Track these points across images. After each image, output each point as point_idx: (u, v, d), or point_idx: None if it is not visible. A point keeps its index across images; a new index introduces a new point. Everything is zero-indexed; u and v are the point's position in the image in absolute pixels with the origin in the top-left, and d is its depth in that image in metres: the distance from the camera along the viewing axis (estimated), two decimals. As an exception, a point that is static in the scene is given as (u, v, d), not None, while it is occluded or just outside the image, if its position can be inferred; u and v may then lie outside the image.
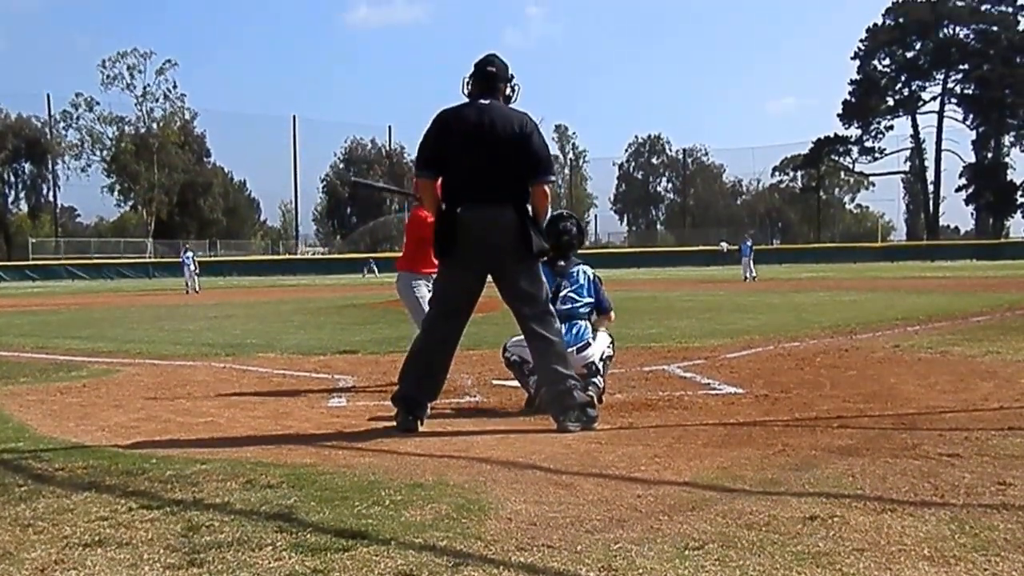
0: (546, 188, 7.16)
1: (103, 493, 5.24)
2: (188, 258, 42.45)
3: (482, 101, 7.18)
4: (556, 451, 6.19)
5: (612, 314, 8.42)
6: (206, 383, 10.02)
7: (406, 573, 3.79)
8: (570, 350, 7.62)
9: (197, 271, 43.54)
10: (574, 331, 7.92)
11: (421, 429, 7.11)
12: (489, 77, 7.26)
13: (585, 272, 8.25)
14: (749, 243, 46.44)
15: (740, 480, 5.27)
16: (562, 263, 8.19)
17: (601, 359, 7.99)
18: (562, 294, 8.04)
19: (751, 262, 44.15)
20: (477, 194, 7.01)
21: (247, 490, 5.23)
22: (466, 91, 7.29)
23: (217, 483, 5.40)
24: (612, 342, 8.24)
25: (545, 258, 7.52)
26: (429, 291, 8.21)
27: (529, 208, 7.13)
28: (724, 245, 60.81)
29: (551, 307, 7.31)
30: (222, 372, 10.97)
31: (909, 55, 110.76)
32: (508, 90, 7.39)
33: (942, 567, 3.77)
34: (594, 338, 8.04)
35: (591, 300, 8.16)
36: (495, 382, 9.42)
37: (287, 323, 19.52)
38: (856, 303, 19.03)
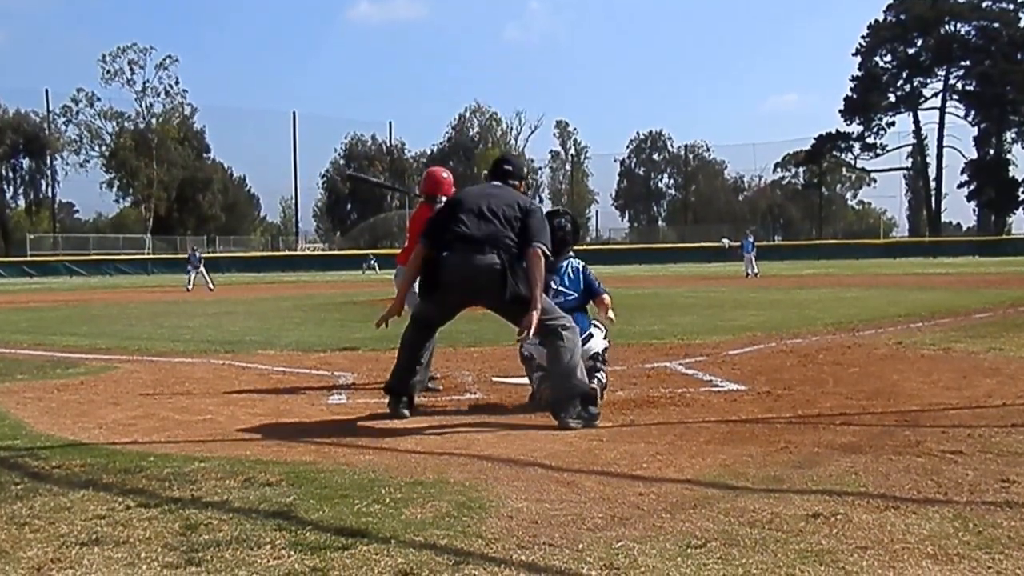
0: (539, 251, 7.39)
1: (100, 491, 5.21)
2: (197, 257, 42.24)
3: (494, 183, 7.95)
4: (557, 448, 6.18)
5: (607, 296, 8.26)
6: (205, 380, 9.98)
7: (406, 571, 3.77)
8: None
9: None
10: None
11: (422, 426, 7.14)
12: (504, 174, 8.03)
13: (572, 265, 8.22)
14: (751, 240, 46.39)
15: (742, 478, 5.25)
16: (553, 259, 8.07)
17: (602, 352, 7.97)
18: (553, 289, 8.02)
19: (753, 258, 44.09)
20: (466, 243, 7.43)
21: (246, 488, 5.20)
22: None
23: (216, 481, 5.38)
24: (607, 334, 8.19)
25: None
26: None
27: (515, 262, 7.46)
28: (726, 241, 60.79)
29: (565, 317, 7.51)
30: (221, 369, 10.94)
31: (911, 51, 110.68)
32: (523, 187, 8.09)
33: (945, 565, 3.75)
34: (602, 332, 8.01)
35: (579, 291, 8.11)
36: (495, 379, 9.40)
37: (287, 320, 19.50)
38: (858, 300, 19.03)
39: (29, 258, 76.03)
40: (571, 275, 8.16)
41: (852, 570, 3.71)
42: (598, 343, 7.91)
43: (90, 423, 7.49)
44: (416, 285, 7.81)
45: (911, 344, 11.72)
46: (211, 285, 39.37)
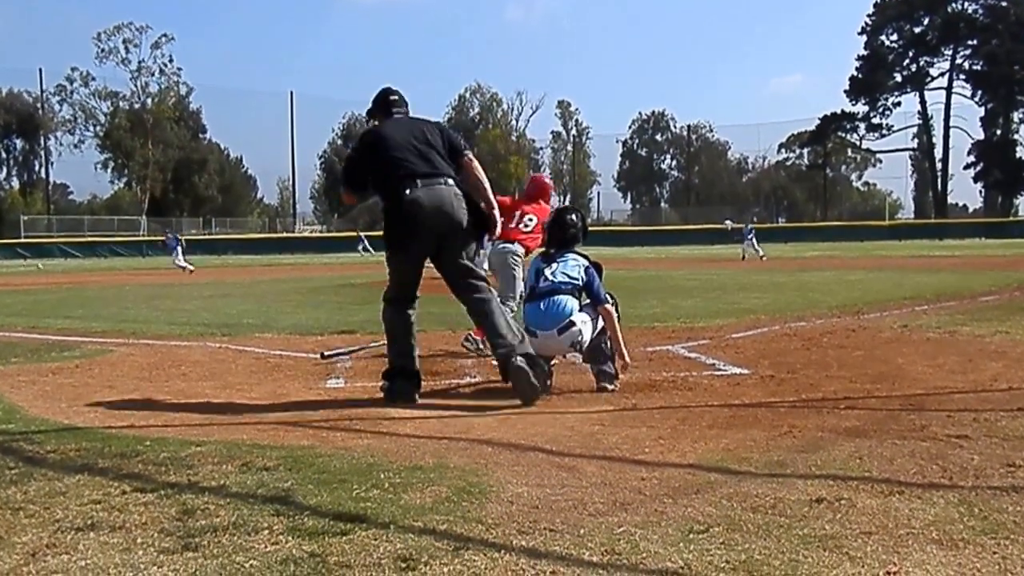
0: (471, 157, 8.02)
1: (96, 476, 5.18)
2: (175, 240, 41.55)
3: (396, 116, 8.10)
4: (558, 433, 6.14)
5: (610, 307, 8.03)
6: (202, 364, 9.94)
7: (405, 557, 3.74)
8: (551, 331, 7.78)
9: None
10: (555, 307, 7.86)
11: (421, 411, 7.12)
12: (396, 103, 8.17)
13: (576, 259, 8.19)
14: (751, 225, 46.34)
15: (746, 462, 5.21)
16: (553, 251, 8.28)
17: (602, 338, 7.93)
18: (544, 273, 8.05)
19: (754, 241, 43.96)
20: (423, 179, 7.63)
21: (243, 473, 5.18)
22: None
23: (212, 466, 5.35)
24: (597, 329, 8.09)
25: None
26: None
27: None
28: (729, 223, 60.76)
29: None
30: (218, 352, 10.89)
31: (917, 30, 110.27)
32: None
33: (950, 550, 3.72)
34: (593, 321, 7.96)
35: (578, 281, 8.03)
36: (494, 363, 9.32)
37: (284, 302, 19.41)
38: (863, 282, 18.98)
39: (23, 240, 75.77)
40: (571, 266, 8.10)
41: (856, 555, 3.68)
42: (585, 333, 7.86)
43: (85, 407, 7.45)
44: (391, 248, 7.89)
45: (916, 327, 11.66)
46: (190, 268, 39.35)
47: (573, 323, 7.80)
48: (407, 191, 7.50)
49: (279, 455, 5.55)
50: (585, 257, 8.24)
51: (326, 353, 9.06)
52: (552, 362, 7.93)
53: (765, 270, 29.57)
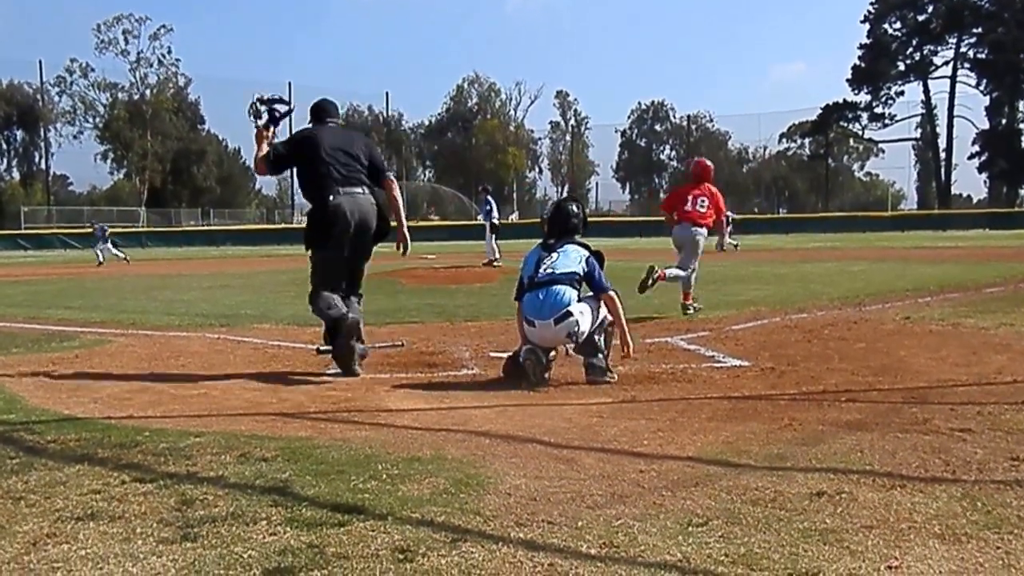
0: (392, 179, 9.16)
1: (96, 466, 5.20)
2: (102, 231, 40.34)
3: (330, 124, 9.06)
4: (556, 425, 6.13)
5: (613, 295, 8.07)
6: (200, 354, 9.95)
7: (403, 548, 3.75)
8: (548, 320, 7.78)
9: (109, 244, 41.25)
10: (553, 297, 7.85)
11: (419, 402, 7.12)
12: (329, 113, 9.16)
13: (577, 248, 8.20)
14: (729, 215, 46.23)
15: (745, 455, 5.21)
16: (552, 241, 8.25)
17: (599, 330, 7.91)
18: (544, 263, 8.05)
19: (730, 231, 43.80)
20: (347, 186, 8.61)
21: (241, 464, 5.19)
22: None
23: (211, 456, 5.36)
24: (600, 322, 8.04)
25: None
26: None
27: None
28: (729, 214, 60.60)
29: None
30: (217, 343, 10.89)
31: (920, 18, 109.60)
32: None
33: (953, 545, 3.71)
34: (593, 312, 7.94)
35: (577, 270, 8.01)
36: (492, 354, 9.32)
37: (283, 293, 19.28)
38: (865, 273, 18.94)
39: (23, 231, 75.57)
40: (574, 256, 8.09)
41: (857, 549, 3.67)
42: (584, 323, 7.82)
43: (85, 397, 7.46)
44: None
45: (919, 319, 11.61)
46: (103, 260, 38.70)
47: (570, 313, 7.77)
48: (331, 197, 8.44)
49: (277, 446, 5.55)
50: (586, 247, 8.23)
51: (321, 348, 9.08)
52: (551, 354, 7.91)
53: (765, 261, 29.47)
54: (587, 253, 8.14)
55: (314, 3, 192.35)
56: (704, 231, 13.32)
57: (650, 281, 12.66)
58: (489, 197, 31.10)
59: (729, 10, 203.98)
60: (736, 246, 41.52)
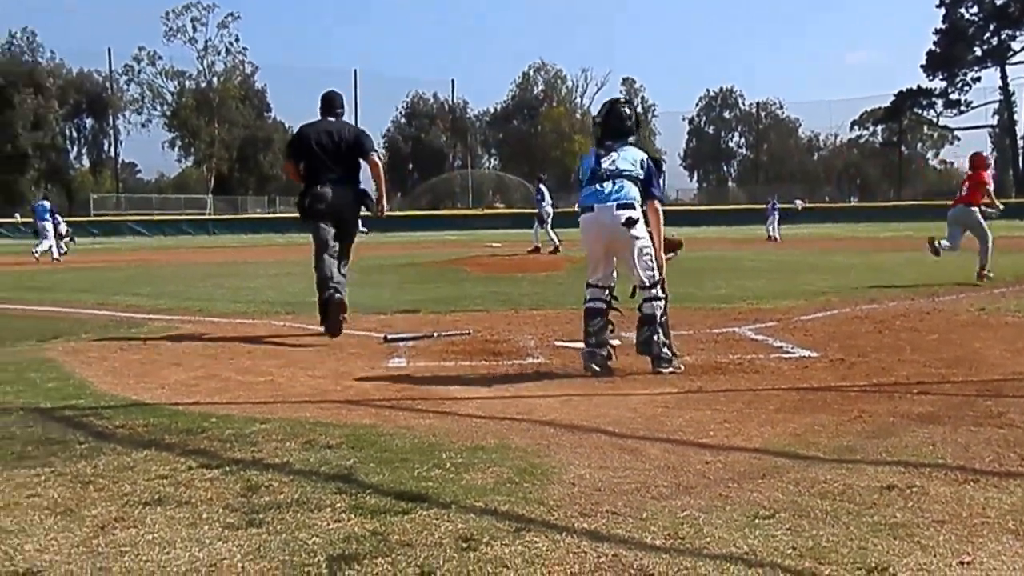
0: (376, 158, 11.07)
1: (163, 451, 5.26)
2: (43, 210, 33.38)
3: (329, 118, 10.93)
4: (621, 415, 6.11)
5: (658, 205, 8.05)
6: (266, 341, 10.02)
7: (467, 537, 3.75)
8: (610, 204, 7.70)
9: (64, 233, 36.23)
10: (617, 187, 7.76)
11: (484, 391, 7.12)
12: (337, 105, 11.09)
13: (634, 150, 8.04)
14: (775, 203, 45.81)
15: (814, 447, 5.15)
16: (610, 143, 8.05)
17: (653, 335, 7.81)
18: (607, 160, 7.90)
19: (775, 222, 43.44)
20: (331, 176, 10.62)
21: (306, 450, 5.22)
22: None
23: (276, 443, 5.39)
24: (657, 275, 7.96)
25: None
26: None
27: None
28: (799, 203, 60.18)
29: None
30: (282, 330, 10.96)
31: (998, 2, 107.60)
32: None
33: (1028, 541, 3.64)
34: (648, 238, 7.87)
35: (636, 171, 7.87)
36: (558, 343, 9.30)
37: (347, 281, 19.37)
38: (939, 264, 18.61)
39: (93, 218, 76.33)
40: (630, 156, 7.94)
41: (928, 544, 3.61)
42: (642, 232, 7.79)
43: (153, 383, 7.55)
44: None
45: (994, 310, 11.44)
46: (62, 250, 34.29)
47: (634, 207, 7.73)
48: (318, 185, 10.58)
49: (342, 433, 5.57)
50: (643, 150, 8.15)
51: (389, 336, 9.10)
52: (614, 342, 7.87)
53: (835, 251, 29.13)
54: (644, 156, 8.04)
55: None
56: (974, 209, 16.55)
57: (936, 244, 17.00)
58: (541, 186, 31.21)
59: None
60: (777, 238, 40.89)
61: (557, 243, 28.55)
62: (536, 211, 30.61)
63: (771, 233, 42.30)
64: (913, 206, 79.40)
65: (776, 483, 4.43)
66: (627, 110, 8.31)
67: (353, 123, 11.34)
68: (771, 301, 13.08)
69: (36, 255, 30.95)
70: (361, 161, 10.89)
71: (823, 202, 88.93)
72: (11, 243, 40.27)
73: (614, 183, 7.77)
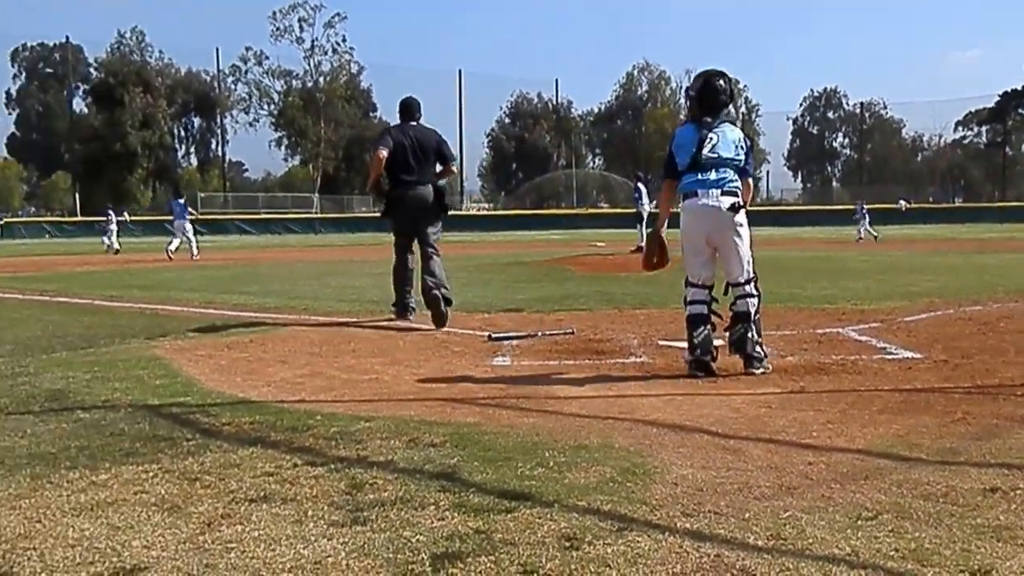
0: (454, 167, 12.57)
1: (269, 449, 5.34)
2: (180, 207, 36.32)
3: (412, 123, 11.82)
4: (724, 415, 6.10)
5: (751, 182, 8.03)
6: (371, 340, 10.09)
7: (569, 536, 3.77)
8: (715, 190, 7.65)
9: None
10: (720, 175, 7.70)
11: (587, 390, 7.12)
12: (415, 111, 11.99)
13: (733, 129, 7.93)
14: (864, 206, 45.25)
15: (917, 449, 5.11)
16: (709, 119, 7.88)
17: (748, 332, 7.77)
18: (708, 144, 7.76)
19: (867, 224, 42.91)
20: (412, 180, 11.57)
21: (410, 448, 5.27)
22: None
23: (381, 441, 5.45)
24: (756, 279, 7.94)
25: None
26: None
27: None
28: (903, 203, 59.33)
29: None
30: (386, 329, 11.02)
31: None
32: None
33: None
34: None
35: (740, 160, 7.82)
36: (661, 343, 9.29)
37: (452, 280, 19.39)
38: (1044, 264, 18.35)
39: (200, 216, 77.16)
40: (731, 140, 7.83)
41: (1032, 548, 3.57)
42: (744, 219, 7.81)
43: (259, 381, 7.66)
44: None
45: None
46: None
47: (737, 194, 7.72)
48: (402, 188, 11.49)
49: (446, 432, 5.62)
50: (737, 126, 8.07)
51: (494, 336, 9.17)
52: (717, 343, 7.84)
53: (939, 252, 28.67)
54: (741, 134, 7.94)
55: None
56: None
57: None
58: (640, 184, 31.25)
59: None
60: (876, 237, 40.43)
61: (643, 243, 28.54)
62: (636, 209, 30.71)
63: (861, 235, 41.87)
64: (1017, 207, 77.87)
65: (879, 484, 4.41)
66: (722, 83, 8.06)
67: (432, 128, 12.14)
68: (875, 302, 12.92)
69: (171, 255, 31.57)
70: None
71: (927, 203, 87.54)
72: (121, 241, 40.74)
73: (717, 171, 7.71)
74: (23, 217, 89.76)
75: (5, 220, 72.02)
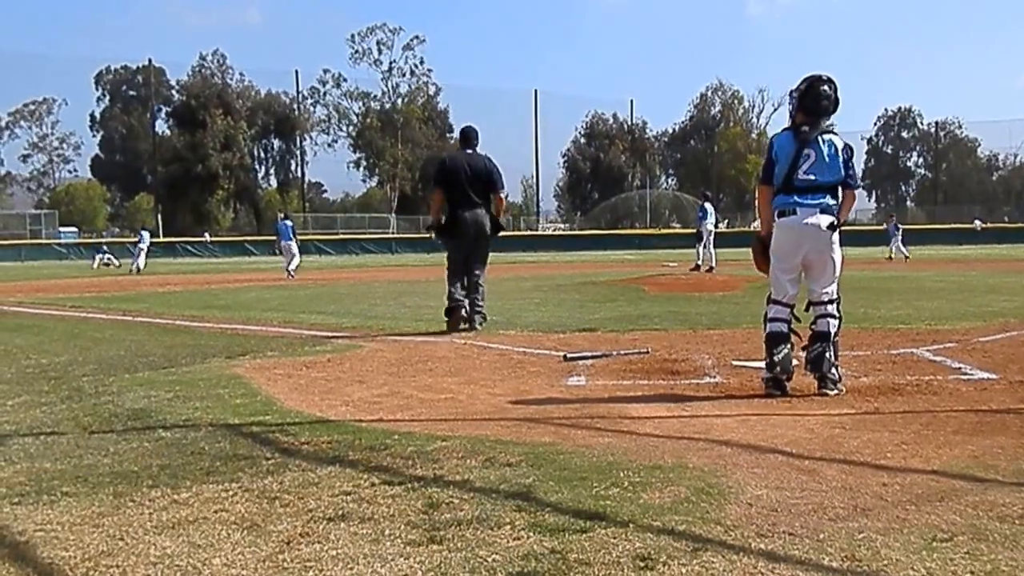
0: (503, 195, 13.75)
1: (347, 468, 5.41)
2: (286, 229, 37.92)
3: (467, 151, 13.13)
4: (798, 435, 6.08)
5: (855, 193, 7.90)
6: (447, 359, 10.13)
7: (644, 556, 3.79)
8: (814, 209, 7.60)
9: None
10: (819, 199, 7.62)
11: (661, 410, 7.10)
12: (472, 140, 13.25)
13: (833, 143, 7.73)
14: (896, 223, 44.89)
15: (993, 470, 5.09)
16: (806, 128, 7.70)
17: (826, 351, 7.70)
18: (804, 166, 7.63)
19: (899, 242, 42.50)
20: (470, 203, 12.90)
21: (486, 468, 5.31)
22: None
23: (457, 460, 5.50)
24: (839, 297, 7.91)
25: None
26: None
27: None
28: (978, 223, 58.61)
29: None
30: (463, 349, 11.05)
31: None
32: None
33: None
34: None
35: (840, 176, 7.70)
36: (735, 363, 9.26)
37: (527, 300, 19.41)
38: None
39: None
40: (831, 154, 7.69)
41: (1112, 571, 3.55)
42: (837, 255, 7.78)
43: (337, 400, 7.72)
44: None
45: None
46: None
47: (835, 213, 7.67)
48: (460, 210, 12.78)
49: (521, 451, 5.66)
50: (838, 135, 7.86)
51: (569, 356, 9.21)
52: (794, 363, 7.81)
53: (1015, 272, 28.29)
54: (842, 144, 7.77)
55: (562, 12, 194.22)
56: None
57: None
58: (707, 204, 31.19)
59: (981, 12, 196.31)
60: (906, 257, 40.03)
61: (700, 262, 28.66)
62: (696, 228, 30.73)
63: (893, 254, 41.55)
64: (1095, 227, 76.28)
65: (954, 506, 4.39)
66: (827, 88, 7.80)
67: (488, 155, 13.27)
68: (949, 322, 12.80)
69: (291, 274, 32.75)
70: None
71: (1002, 222, 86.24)
72: (201, 262, 41.42)
73: (813, 196, 7.63)
74: (107, 238, 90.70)
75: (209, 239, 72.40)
